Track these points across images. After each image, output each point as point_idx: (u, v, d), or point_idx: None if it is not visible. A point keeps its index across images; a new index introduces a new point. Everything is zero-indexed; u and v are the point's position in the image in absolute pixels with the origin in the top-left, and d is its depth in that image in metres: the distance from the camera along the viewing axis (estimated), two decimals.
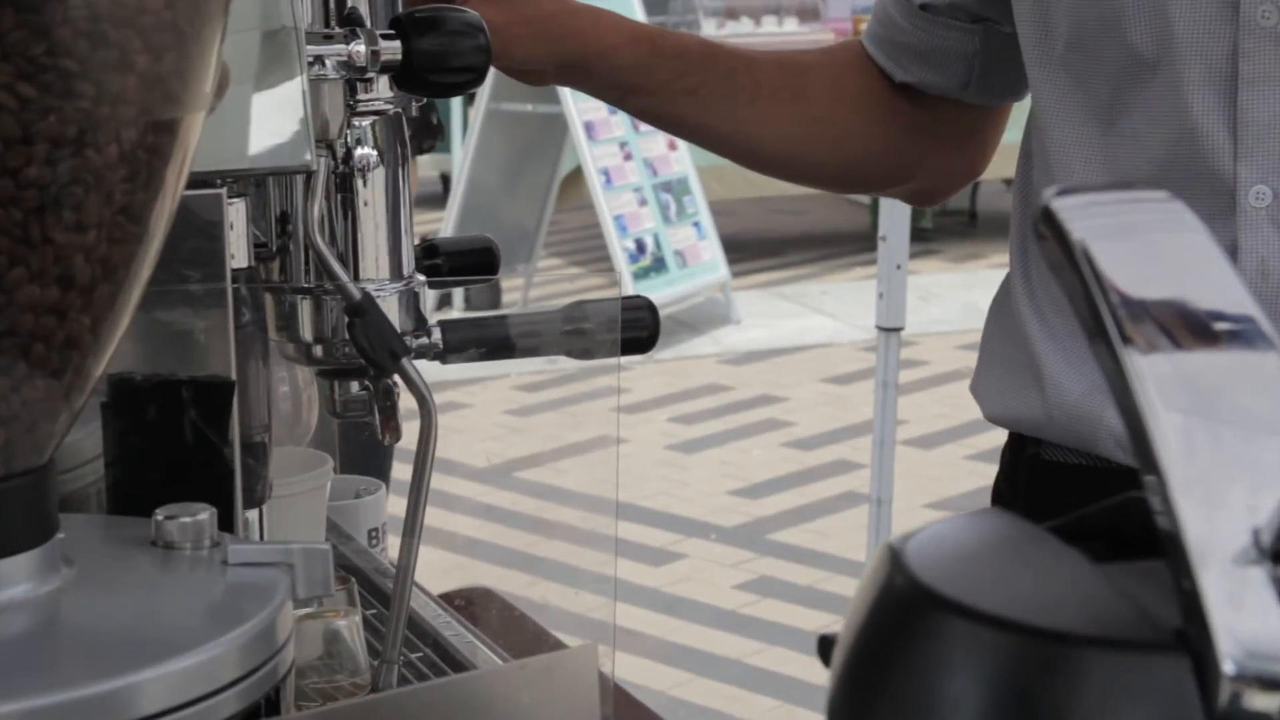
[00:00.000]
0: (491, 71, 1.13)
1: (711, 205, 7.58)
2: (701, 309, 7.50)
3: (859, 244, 8.66)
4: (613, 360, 1.16)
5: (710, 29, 8.91)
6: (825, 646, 0.58)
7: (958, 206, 9.38)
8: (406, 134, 1.13)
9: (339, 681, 1.14)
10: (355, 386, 1.12)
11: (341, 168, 1.10)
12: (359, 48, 1.05)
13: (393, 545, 1.39)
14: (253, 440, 1.03)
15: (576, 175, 7.47)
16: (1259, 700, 0.47)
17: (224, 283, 0.95)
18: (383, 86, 1.09)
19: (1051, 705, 0.50)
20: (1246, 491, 0.50)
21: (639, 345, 1.17)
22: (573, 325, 1.15)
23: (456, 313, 6.67)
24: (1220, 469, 0.51)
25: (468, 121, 8.10)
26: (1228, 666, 0.48)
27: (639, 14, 7.40)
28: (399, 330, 1.10)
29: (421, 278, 1.15)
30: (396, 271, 1.13)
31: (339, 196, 1.11)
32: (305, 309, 1.10)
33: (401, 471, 1.07)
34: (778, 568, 4.71)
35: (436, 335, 1.13)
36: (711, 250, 7.44)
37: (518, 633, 1.39)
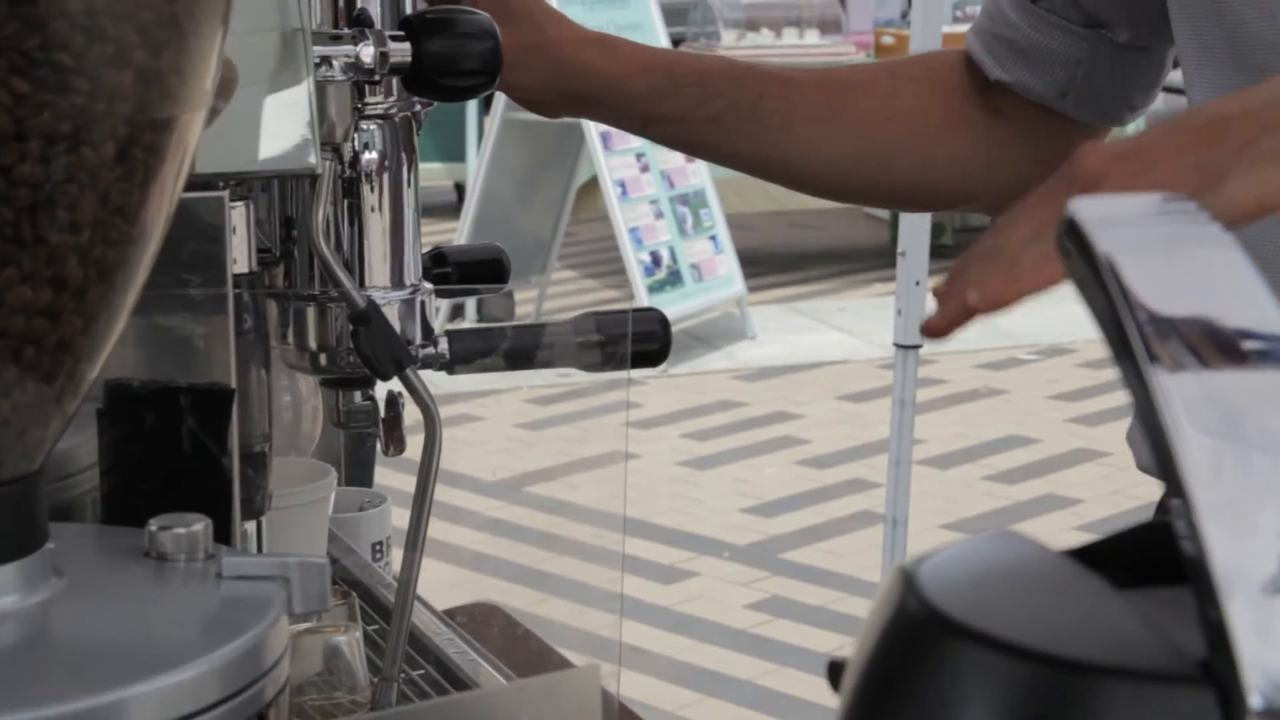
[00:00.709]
0: None
1: (729, 219, 7.57)
2: (717, 324, 7.48)
3: (878, 260, 8.65)
4: (624, 374, 1.15)
5: (730, 40, 8.89)
6: (835, 672, 0.56)
7: (979, 223, 9.37)
8: (415, 138, 1.12)
9: (338, 698, 1.12)
10: (359, 397, 1.11)
11: (348, 172, 1.08)
12: (367, 49, 1.04)
13: (397, 559, 1.38)
14: (252, 450, 1.02)
15: (592, 186, 7.46)
16: None
17: (225, 288, 0.94)
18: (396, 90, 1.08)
19: None
20: (1276, 517, 0.48)
21: (649, 359, 1.15)
22: (582, 337, 1.13)
23: (469, 324, 6.67)
24: (1249, 493, 0.49)
25: (483, 130, 8.10)
26: (1255, 700, 0.46)
27: (659, 26, 7.40)
28: (404, 339, 1.08)
29: (429, 286, 1.13)
30: (403, 279, 1.11)
31: (345, 202, 1.09)
32: (309, 316, 1.09)
33: (402, 482, 1.06)
34: (790, 587, 4.69)
35: (443, 345, 1.11)
36: (728, 264, 7.43)
37: (522, 650, 1.37)
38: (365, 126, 1.08)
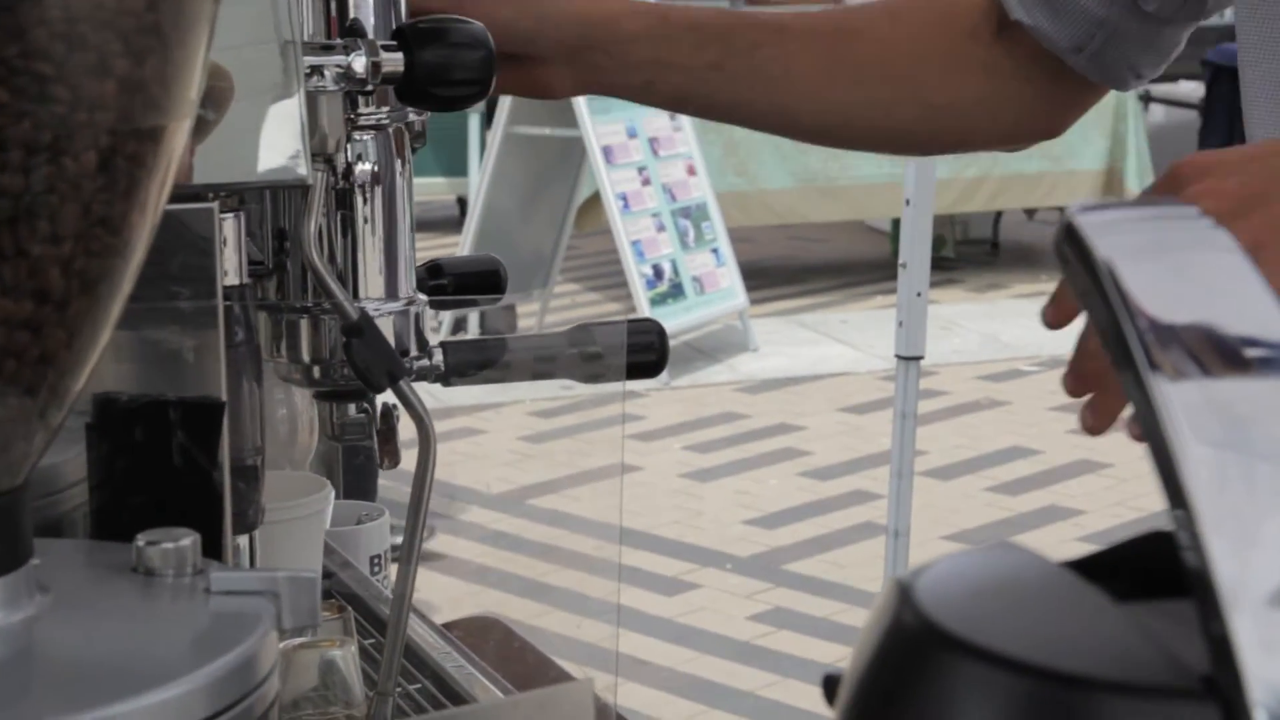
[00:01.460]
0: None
1: (731, 232, 7.57)
2: (719, 336, 7.48)
3: (880, 272, 8.65)
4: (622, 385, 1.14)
5: None
6: (830, 685, 0.55)
7: (980, 236, 9.36)
8: (409, 149, 1.11)
9: (333, 713, 1.11)
10: (353, 409, 1.10)
11: (341, 183, 1.07)
12: (359, 59, 1.03)
13: (394, 572, 1.37)
14: (244, 463, 1.00)
15: (594, 200, 7.46)
16: None
17: (215, 300, 0.92)
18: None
19: None
20: None
21: (646, 369, 1.14)
22: (578, 349, 1.12)
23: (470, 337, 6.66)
24: (1253, 504, 0.48)
25: (485, 144, 8.10)
26: (1259, 716, 0.45)
27: None
28: (399, 351, 1.07)
29: (423, 297, 1.12)
30: (397, 291, 1.10)
31: (338, 213, 1.08)
32: (302, 329, 1.08)
33: (407, 495, 1.05)
34: (793, 599, 4.68)
35: (438, 357, 1.10)
36: (730, 277, 7.43)
37: (520, 664, 1.36)
38: (358, 137, 1.07)
